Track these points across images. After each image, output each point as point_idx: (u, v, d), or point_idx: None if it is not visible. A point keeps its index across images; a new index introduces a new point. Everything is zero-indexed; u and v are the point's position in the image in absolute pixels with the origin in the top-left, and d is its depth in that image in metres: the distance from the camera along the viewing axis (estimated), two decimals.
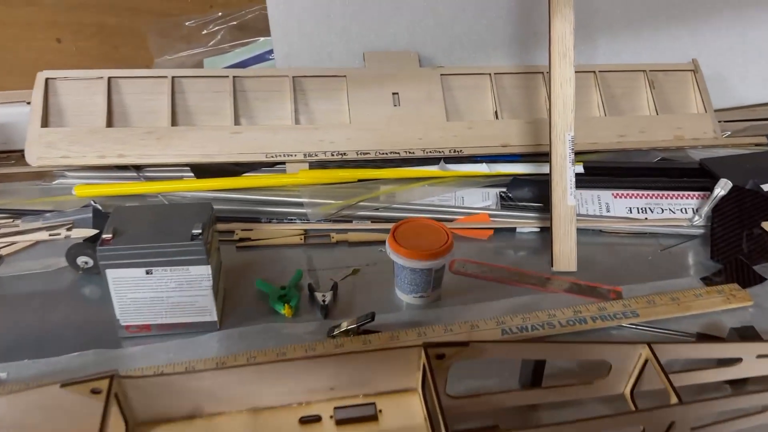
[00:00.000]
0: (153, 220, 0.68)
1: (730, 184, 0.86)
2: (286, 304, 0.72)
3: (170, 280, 0.67)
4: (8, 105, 1.03)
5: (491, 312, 0.74)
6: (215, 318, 0.70)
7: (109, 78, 0.95)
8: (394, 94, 1.02)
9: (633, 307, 0.74)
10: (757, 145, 1.08)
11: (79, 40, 1.11)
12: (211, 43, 1.12)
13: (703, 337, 0.70)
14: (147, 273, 0.66)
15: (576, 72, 1.06)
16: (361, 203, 0.92)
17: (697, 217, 0.89)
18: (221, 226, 0.88)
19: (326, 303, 0.74)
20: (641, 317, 0.73)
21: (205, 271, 0.67)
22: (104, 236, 0.65)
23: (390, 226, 0.88)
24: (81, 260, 0.79)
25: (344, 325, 0.70)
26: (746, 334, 0.65)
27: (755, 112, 1.21)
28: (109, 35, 1.11)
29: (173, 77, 0.97)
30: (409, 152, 0.99)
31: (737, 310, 0.75)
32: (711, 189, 0.93)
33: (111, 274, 0.66)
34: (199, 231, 0.66)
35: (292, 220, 0.90)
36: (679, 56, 1.14)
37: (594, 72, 1.08)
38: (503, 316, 0.73)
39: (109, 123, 0.94)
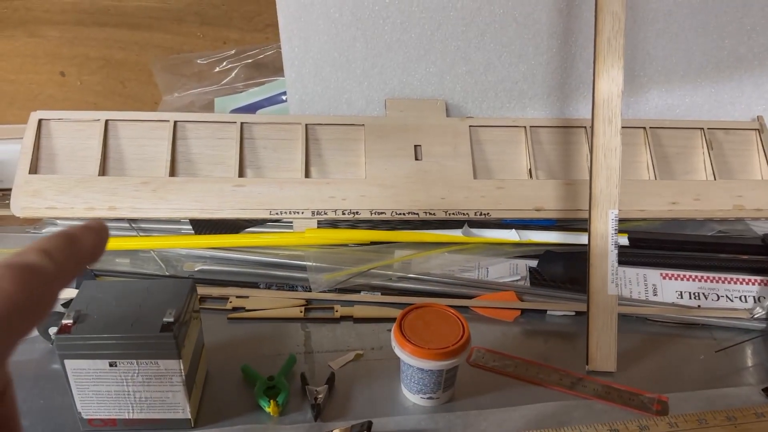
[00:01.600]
0: (123, 300, 0.60)
1: None
2: (272, 401, 0.63)
3: (137, 373, 0.58)
4: (5, 141, 0.97)
5: (512, 423, 0.63)
6: (188, 415, 0.61)
7: (107, 121, 0.88)
8: (416, 146, 0.92)
9: (681, 427, 0.62)
10: None
11: (83, 74, 1.04)
12: (224, 81, 1.04)
13: None
14: (111, 365, 0.58)
15: (624, 127, 0.94)
16: (373, 271, 0.83)
17: (759, 309, 0.77)
18: (214, 291, 0.79)
19: (319, 402, 0.64)
20: None
21: (177, 365, 0.58)
22: (64, 321, 0.57)
23: (403, 300, 0.79)
24: (53, 331, 0.71)
25: None
26: None
27: None
28: (116, 70, 1.05)
29: (176, 122, 0.89)
30: (430, 213, 0.88)
31: None
32: None
33: (70, 365, 0.57)
34: (171, 320, 0.57)
35: (293, 287, 0.81)
36: (741, 113, 1.02)
37: (644, 128, 0.96)
38: (526, 431, 0.61)
39: (103, 171, 0.87)
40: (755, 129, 1.00)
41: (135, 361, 0.57)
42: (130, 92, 1.07)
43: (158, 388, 0.59)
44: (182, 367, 0.58)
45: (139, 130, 0.89)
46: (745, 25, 0.99)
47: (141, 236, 0.86)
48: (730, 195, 0.93)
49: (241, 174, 0.88)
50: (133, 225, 0.88)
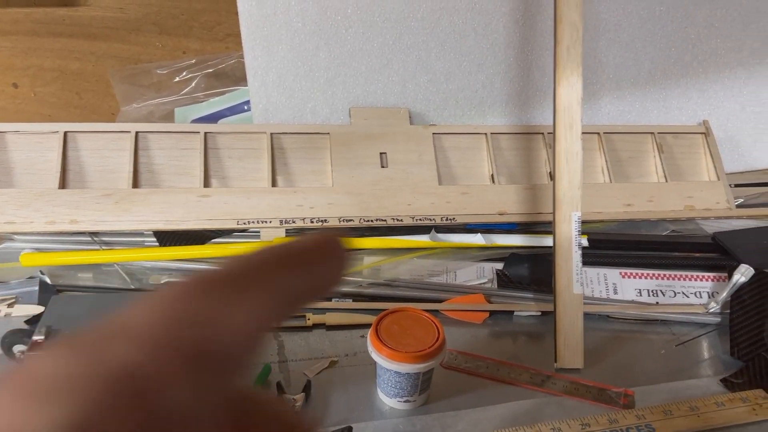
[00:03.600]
0: (93, 315, 0.59)
1: (751, 271, 0.78)
2: None
3: None
4: None
5: (487, 423, 0.64)
6: None
7: (66, 132, 0.86)
8: (381, 154, 0.93)
9: (648, 419, 0.65)
10: None
11: (37, 86, 1.01)
12: (184, 91, 1.02)
13: None
14: None
15: None
16: (342, 278, 0.83)
17: (713, 304, 0.81)
18: None
19: (296, 410, 0.64)
20: None
21: None
22: (35, 338, 0.56)
23: (374, 306, 0.80)
24: (18, 349, 0.68)
25: None
26: None
27: None
28: (72, 81, 1.02)
29: (137, 132, 0.87)
30: (397, 219, 0.89)
31: (765, 422, 0.66)
32: (727, 267, 0.85)
33: None
34: None
35: None
36: (688, 117, 1.07)
37: (598, 134, 1.00)
38: (502, 429, 0.63)
39: (63, 184, 0.84)
40: (702, 133, 1.05)
41: None
42: (86, 103, 1.05)
43: None
44: None
45: (100, 141, 0.87)
46: (690, 35, 1.04)
47: (104, 249, 0.84)
48: (681, 196, 0.98)
49: (207, 184, 0.87)
50: (96, 238, 0.86)
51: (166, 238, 0.86)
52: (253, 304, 0.17)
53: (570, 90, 0.72)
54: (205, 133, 0.89)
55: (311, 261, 0.20)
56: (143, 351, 0.15)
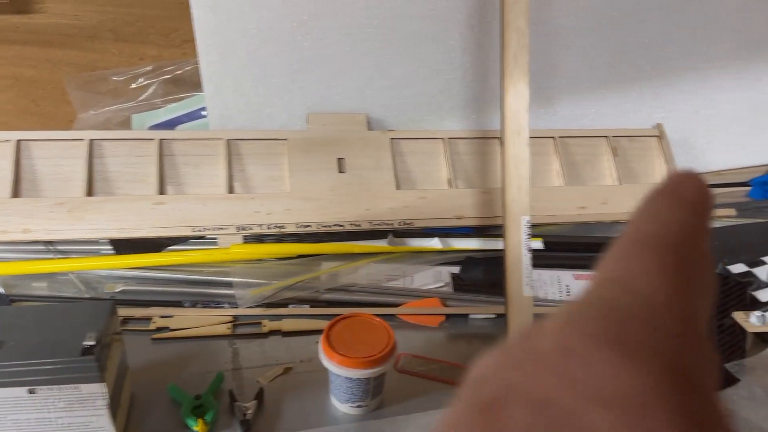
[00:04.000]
0: (41, 325, 0.58)
1: None
2: (199, 419, 0.62)
3: (58, 399, 0.57)
4: None
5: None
6: None
7: (18, 140, 0.85)
8: (339, 159, 0.94)
9: None
10: (725, 217, 1.02)
11: None
12: (141, 97, 1.02)
13: None
14: (30, 392, 0.56)
15: (534, 137, 0.99)
16: (300, 284, 0.83)
17: None
18: (137, 312, 0.78)
19: (247, 417, 0.64)
20: None
21: (99, 389, 0.57)
22: None
23: (331, 311, 0.80)
24: None
25: None
26: None
27: (722, 176, 1.16)
28: (27, 88, 1.01)
29: (92, 140, 0.87)
30: (355, 224, 0.90)
31: None
32: None
33: None
34: (93, 343, 0.56)
35: (219, 304, 0.81)
36: (643, 121, 1.09)
37: (553, 138, 1.01)
38: None
39: (16, 192, 0.84)
40: (656, 135, 1.07)
41: (56, 387, 0.56)
42: (42, 111, 1.04)
43: (81, 413, 0.58)
44: (105, 391, 0.57)
45: (54, 149, 0.86)
46: (643, 39, 1.06)
47: (58, 259, 0.84)
48: (634, 198, 0.98)
49: (162, 191, 0.87)
50: (50, 247, 0.85)
51: (122, 246, 0.85)
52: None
53: (517, 97, 0.74)
54: (161, 139, 0.89)
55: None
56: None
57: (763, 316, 0.78)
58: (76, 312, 0.60)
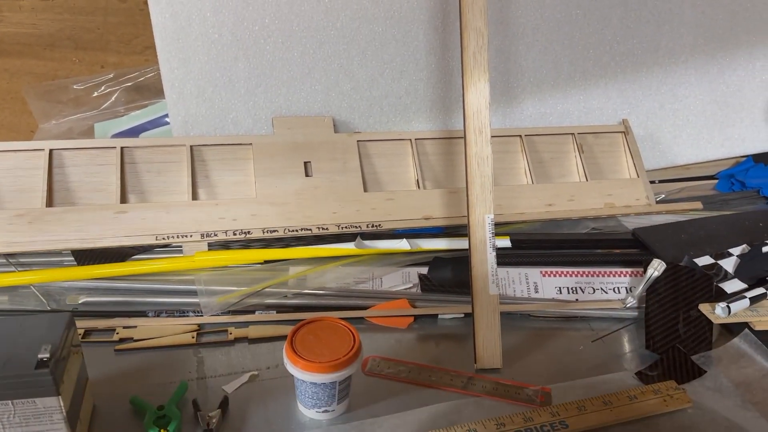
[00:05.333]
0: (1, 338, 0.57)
1: (664, 266, 0.80)
2: (162, 430, 0.61)
3: (13, 414, 0.55)
4: None
5: (406, 427, 0.65)
6: None
7: None
8: (306, 163, 0.93)
9: (562, 415, 0.66)
10: (691, 210, 1.03)
11: None
12: (104, 105, 1.01)
13: None
14: None
15: (501, 136, 1.00)
16: (267, 289, 0.82)
17: (630, 299, 0.83)
18: (100, 323, 0.77)
19: (211, 427, 0.63)
20: (571, 427, 0.65)
21: (56, 402, 0.55)
22: None
23: (299, 316, 0.80)
24: None
25: None
26: None
27: (689, 170, 1.18)
28: None
29: (51, 150, 0.85)
30: (323, 228, 0.89)
31: (676, 412, 0.68)
32: (644, 263, 0.88)
33: None
34: (47, 356, 0.54)
35: (184, 313, 0.80)
36: (609, 117, 1.10)
37: (520, 136, 1.02)
38: None
39: None
40: (621, 131, 1.08)
41: (10, 401, 0.55)
42: (3, 122, 1.02)
43: (38, 427, 0.57)
44: (62, 404, 0.56)
45: (13, 160, 0.85)
46: (606, 36, 1.07)
47: (19, 271, 0.82)
48: (601, 194, 1.00)
49: (123, 200, 0.86)
50: (10, 260, 0.83)
51: (84, 256, 0.84)
52: None
53: (478, 95, 0.74)
54: (122, 147, 0.87)
55: None
56: None
57: (728, 307, 0.78)
58: (31, 325, 0.59)
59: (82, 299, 0.80)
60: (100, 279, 0.82)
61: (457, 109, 1.02)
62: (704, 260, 0.89)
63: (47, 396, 0.55)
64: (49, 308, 0.79)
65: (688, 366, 0.74)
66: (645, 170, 1.05)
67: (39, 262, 0.85)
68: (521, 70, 1.03)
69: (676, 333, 0.78)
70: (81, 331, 0.74)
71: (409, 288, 0.86)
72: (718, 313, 0.79)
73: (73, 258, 0.84)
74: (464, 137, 0.75)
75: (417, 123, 1.02)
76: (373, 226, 0.91)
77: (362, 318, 0.81)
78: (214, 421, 0.63)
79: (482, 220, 0.74)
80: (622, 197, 1.00)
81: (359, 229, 0.91)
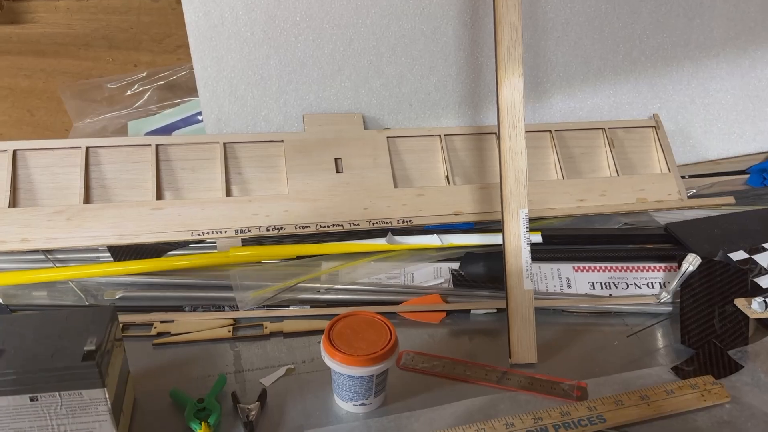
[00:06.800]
0: (40, 332, 0.58)
1: (699, 260, 0.79)
2: (203, 422, 0.62)
3: (60, 406, 0.57)
4: None
5: (442, 422, 0.65)
6: None
7: (15, 151, 0.85)
8: (336, 159, 0.94)
9: (599, 410, 0.66)
10: (724, 205, 1.02)
11: None
12: (137, 104, 1.02)
13: None
14: (32, 400, 0.56)
15: (531, 132, 1.00)
16: (300, 285, 0.83)
17: (664, 294, 0.82)
18: (138, 318, 0.78)
19: (251, 419, 0.64)
20: (609, 422, 0.64)
21: (101, 394, 0.56)
22: None
23: (332, 311, 0.80)
24: None
25: None
26: None
27: (720, 165, 1.16)
28: (22, 99, 1.01)
29: (87, 147, 0.87)
30: (354, 224, 0.90)
31: (714, 407, 0.68)
32: (677, 257, 0.87)
33: None
34: (93, 348, 0.55)
35: (220, 307, 0.80)
36: (639, 112, 1.09)
37: (550, 131, 1.01)
38: (455, 427, 0.63)
39: (14, 202, 0.84)
40: (652, 126, 1.07)
41: (57, 393, 0.56)
42: (39, 121, 1.04)
43: (84, 419, 0.58)
44: (107, 396, 0.57)
45: (50, 158, 0.86)
46: (636, 30, 1.06)
47: (58, 267, 0.84)
48: (633, 189, 0.99)
49: (159, 197, 0.87)
50: (49, 256, 0.85)
51: (121, 252, 0.85)
52: None
53: (512, 89, 0.74)
54: (157, 145, 0.89)
55: None
56: None
57: (764, 302, 0.78)
58: (77, 318, 0.60)
59: (119, 294, 0.81)
60: (137, 274, 0.83)
61: (486, 105, 1.02)
62: (738, 255, 0.89)
63: (93, 388, 0.56)
64: (87, 303, 0.80)
65: (725, 361, 0.73)
66: (676, 165, 1.04)
67: (76, 258, 0.86)
68: (551, 65, 1.03)
69: (712, 328, 0.77)
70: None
71: (441, 283, 0.86)
72: (754, 308, 0.78)
73: (109, 254, 0.86)
74: (498, 132, 0.75)
75: (446, 119, 1.02)
76: (403, 222, 0.92)
77: (395, 313, 0.81)
78: (253, 413, 0.64)
79: (516, 215, 0.74)
80: (654, 192, 1.00)
81: (390, 225, 0.91)
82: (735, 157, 1.16)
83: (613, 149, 1.02)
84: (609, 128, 1.04)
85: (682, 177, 1.06)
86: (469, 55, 0.99)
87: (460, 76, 1.00)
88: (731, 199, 1.03)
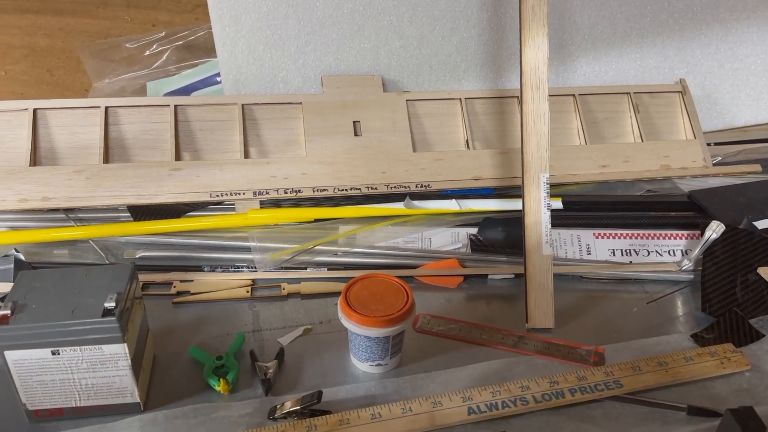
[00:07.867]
0: (62, 288, 0.59)
1: (723, 228, 0.78)
2: (222, 379, 0.63)
3: (81, 360, 0.58)
4: None
5: (458, 383, 0.65)
6: (137, 399, 0.61)
7: (35, 110, 0.85)
8: (355, 122, 0.93)
9: (616, 375, 0.65)
10: (750, 173, 0.99)
11: (7, 64, 1.00)
12: (155, 64, 1.02)
13: (695, 411, 0.62)
14: (53, 354, 0.57)
15: (554, 95, 0.98)
16: (318, 247, 0.83)
17: (686, 262, 0.81)
18: (157, 277, 0.79)
19: (269, 377, 0.64)
20: (626, 387, 0.64)
21: (121, 349, 0.57)
22: (1, 312, 0.56)
23: (349, 274, 0.80)
24: None
25: (288, 405, 0.60)
26: (744, 417, 0.57)
27: (747, 132, 1.13)
28: (42, 58, 1.01)
29: (107, 107, 0.87)
30: (372, 188, 0.89)
31: (733, 375, 0.67)
32: (700, 225, 0.86)
33: (11, 356, 0.57)
34: (113, 305, 0.56)
35: (238, 268, 0.81)
36: (665, 76, 1.06)
37: (573, 95, 0.99)
38: (471, 389, 0.64)
39: (34, 161, 0.84)
40: (678, 91, 1.04)
41: (78, 348, 0.57)
42: (58, 80, 1.04)
43: (104, 373, 0.59)
44: (127, 351, 0.57)
45: (70, 117, 0.86)
46: None
47: (78, 226, 0.84)
48: (657, 155, 0.97)
49: (178, 157, 0.87)
50: (69, 215, 0.86)
51: (140, 212, 0.86)
52: None
53: (536, 50, 0.72)
54: (175, 105, 0.88)
55: None
56: None
57: None
58: (97, 275, 0.61)
59: (140, 254, 0.82)
60: (157, 234, 0.83)
61: (509, 68, 1.00)
62: (764, 224, 0.87)
63: (114, 343, 0.57)
64: (107, 262, 0.81)
65: (746, 329, 0.72)
66: (702, 132, 1.02)
67: (96, 218, 0.87)
68: (576, 27, 1.00)
69: (734, 296, 0.76)
70: None
71: (459, 248, 0.86)
72: None
73: (129, 213, 0.86)
74: (520, 94, 0.73)
75: (467, 82, 1.00)
76: (422, 187, 0.91)
77: (412, 277, 0.81)
78: (270, 371, 0.65)
79: (537, 180, 0.73)
80: (679, 159, 0.98)
81: (408, 189, 0.90)
82: (763, 124, 1.13)
83: (638, 114, 1.00)
84: (634, 93, 1.01)
85: (708, 144, 1.04)
86: (492, 15, 0.97)
87: (482, 38, 0.98)
88: (758, 167, 1.01)
